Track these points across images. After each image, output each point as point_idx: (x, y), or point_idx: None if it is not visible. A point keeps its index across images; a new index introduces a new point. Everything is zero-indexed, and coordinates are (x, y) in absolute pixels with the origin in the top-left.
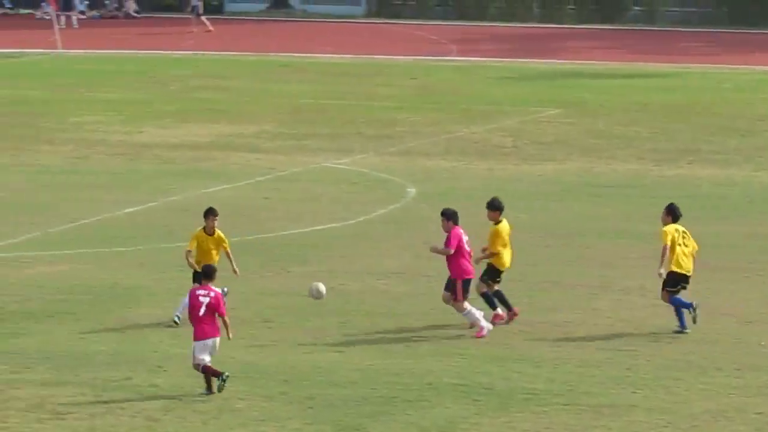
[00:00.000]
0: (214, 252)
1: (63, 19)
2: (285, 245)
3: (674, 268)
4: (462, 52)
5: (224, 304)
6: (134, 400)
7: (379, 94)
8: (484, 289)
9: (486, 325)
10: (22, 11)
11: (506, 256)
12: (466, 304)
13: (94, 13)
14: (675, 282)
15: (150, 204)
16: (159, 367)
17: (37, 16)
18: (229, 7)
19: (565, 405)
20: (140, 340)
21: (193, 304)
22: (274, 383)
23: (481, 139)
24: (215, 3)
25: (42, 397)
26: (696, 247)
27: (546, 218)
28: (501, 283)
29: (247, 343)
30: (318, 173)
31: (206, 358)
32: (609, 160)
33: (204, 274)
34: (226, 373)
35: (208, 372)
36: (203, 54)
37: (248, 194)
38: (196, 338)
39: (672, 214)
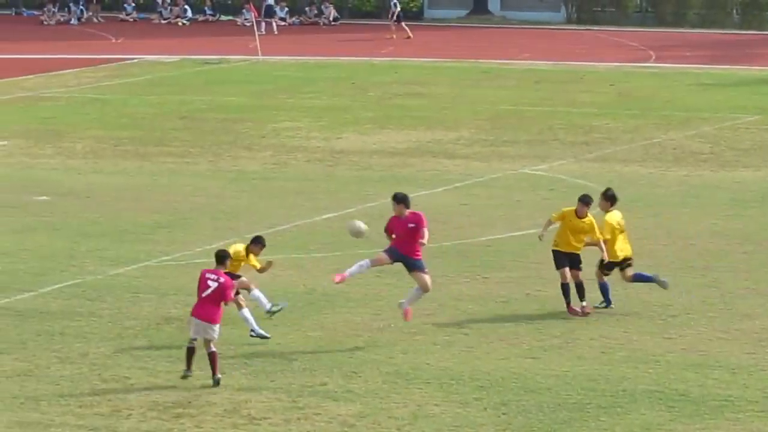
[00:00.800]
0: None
1: (263, 25)
2: (482, 251)
3: (613, 259)
4: (660, 59)
5: (233, 288)
6: (329, 405)
7: (578, 101)
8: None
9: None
10: (224, 18)
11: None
12: None
13: (294, 19)
14: (611, 267)
15: (347, 210)
16: (354, 372)
17: (239, 23)
18: (429, 13)
19: (760, 412)
20: (336, 345)
21: (202, 286)
22: (468, 389)
23: (679, 145)
24: (415, 10)
25: (237, 403)
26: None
27: (743, 225)
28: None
29: (443, 349)
30: (516, 179)
31: (192, 336)
32: None
33: (217, 259)
34: (219, 376)
35: (214, 361)
36: (402, 60)
37: (446, 200)
38: (192, 314)
39: (611, 200)
